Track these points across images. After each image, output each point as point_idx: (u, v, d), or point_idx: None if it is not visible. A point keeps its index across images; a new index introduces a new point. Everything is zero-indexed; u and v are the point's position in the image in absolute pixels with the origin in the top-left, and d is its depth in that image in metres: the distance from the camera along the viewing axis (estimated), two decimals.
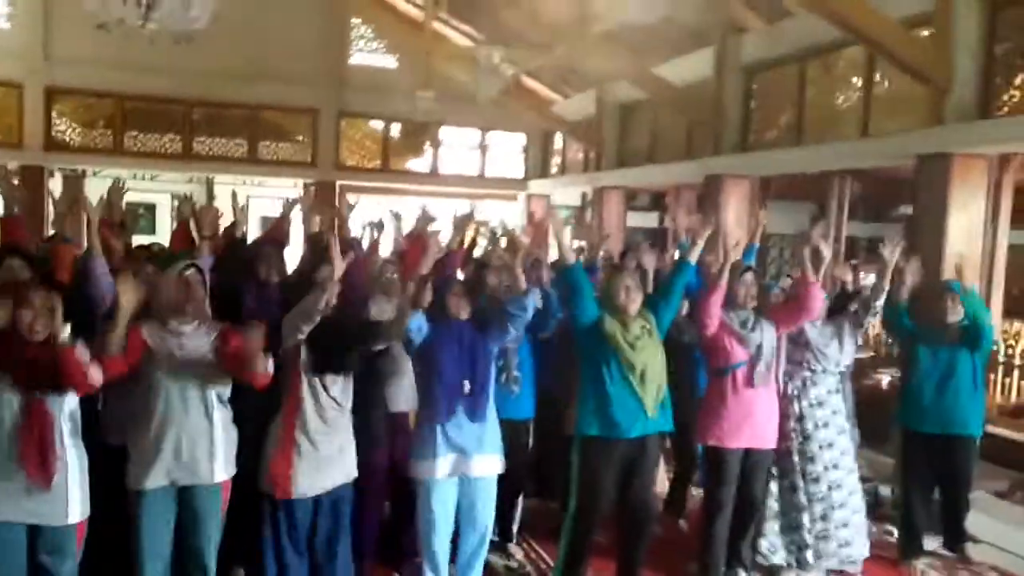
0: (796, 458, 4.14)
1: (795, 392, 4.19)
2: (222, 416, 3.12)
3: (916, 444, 4.49)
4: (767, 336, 4.02)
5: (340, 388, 3.31)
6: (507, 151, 13.55)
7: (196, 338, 3.11)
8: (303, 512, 3.28)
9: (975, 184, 5.83)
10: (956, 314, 4.42)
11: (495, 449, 3.67)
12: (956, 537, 4.60)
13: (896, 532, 4.71)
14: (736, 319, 4.04)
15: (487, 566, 4.12)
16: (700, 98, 8.84)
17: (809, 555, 4.10)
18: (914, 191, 6.21)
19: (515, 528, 4.46)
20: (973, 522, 5.11)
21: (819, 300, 4.05)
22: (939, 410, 4.40)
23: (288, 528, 3.27)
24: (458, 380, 3.55)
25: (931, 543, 4.63)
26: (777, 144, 7.78)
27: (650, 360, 3.67)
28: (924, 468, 4.51)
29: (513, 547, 4.39)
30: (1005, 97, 5.60)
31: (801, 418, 4.16)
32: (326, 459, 3.27)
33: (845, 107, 7.13)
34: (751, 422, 3.97)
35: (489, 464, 3.64)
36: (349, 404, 3.37)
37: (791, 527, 4.15)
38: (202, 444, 3.05)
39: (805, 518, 4.11)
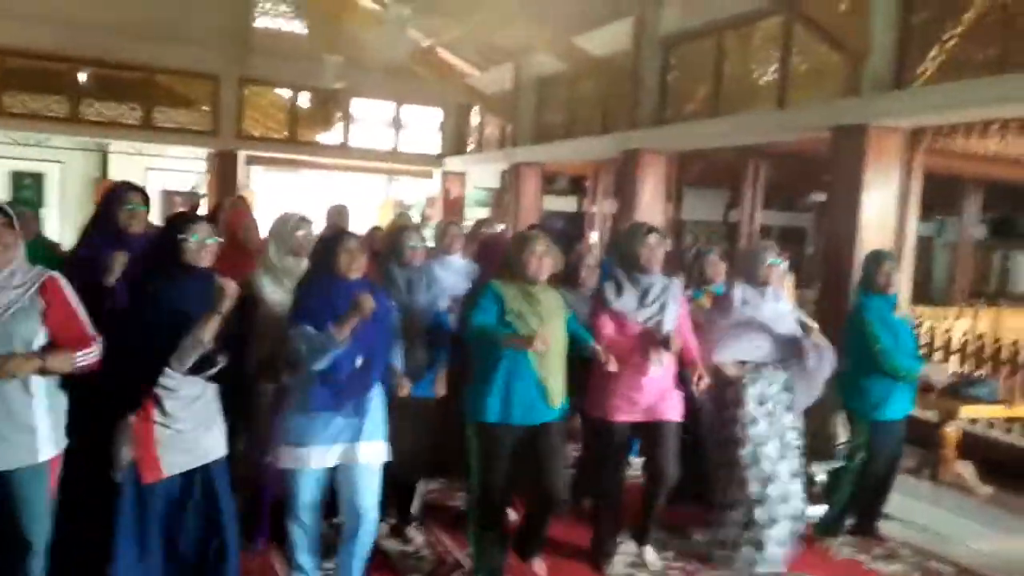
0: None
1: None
2: (44, 383, 2.67)
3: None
4: (670, 311, 3.76)
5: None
6: (423, 126, 13.10)
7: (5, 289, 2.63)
8: (164, 492, 2.86)
9: (889, 161, 5.77)
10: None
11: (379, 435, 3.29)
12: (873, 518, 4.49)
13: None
14: (633, 294, 3.75)
15: (382, 552, 3.83)
16: (618, 70, 8.63)
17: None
18: (830, 167, 6.11)
19: (415, 511, 4.11)
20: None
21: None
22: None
23: (146, 510, 2.84)
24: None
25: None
26: (695, 117, 7.60)
27: (557, 341, 3.43)
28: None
29: (411, 530, 4.04)
30: (920, 69, 5.52)
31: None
32: (189, 438, 2.87)
33: (763, 80, 6.99)
34: (645, 395, 3.73)
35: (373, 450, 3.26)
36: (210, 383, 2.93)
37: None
38: (19, 419, 2.59)
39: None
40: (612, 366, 3.53)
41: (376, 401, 3.27)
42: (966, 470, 5.65)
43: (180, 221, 2.93)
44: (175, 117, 11.45)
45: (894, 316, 4.23)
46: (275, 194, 13.63)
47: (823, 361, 3.90)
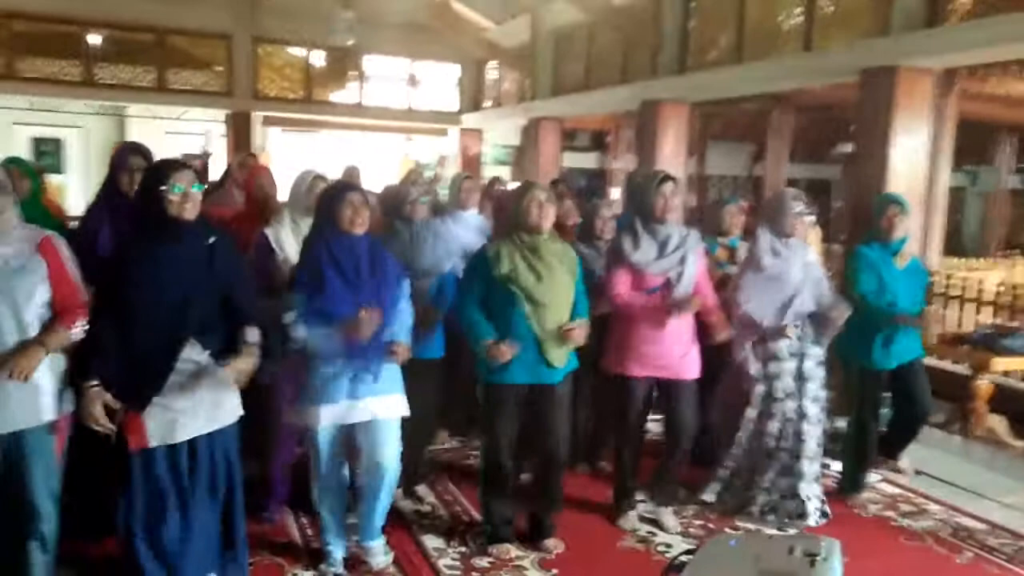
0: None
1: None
2: None
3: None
4: (689, 262, 3.61)
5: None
6: (439, 83, 12.87)
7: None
8: (166, 458, 2.77)
9: (920, 105, 5.50)
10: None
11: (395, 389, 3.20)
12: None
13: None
14: (651, 245, 3.61)
15: (396, 512, 3.75)
16: (638, 19, 8.36)
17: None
18: (858, 113, 5.86)
19: (423, 470, 4.05)
20: (912, 453, 4.92)
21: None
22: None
23: (151, 476, 2.77)
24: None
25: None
26: (717, 65, 7.34)
27: (559, 298, 3.30)
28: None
29: (423, 490, 3.98)
30: (952, 5, 5.23)
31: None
32: (182, 409, 2.71)
33: (788, 24, 6.71)
34: (664, 351, 3.61)
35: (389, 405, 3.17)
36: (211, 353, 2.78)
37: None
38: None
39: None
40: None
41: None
42: (998, 424, 5.49)
43: (159, 170, 2.68)
44: (189, 79, 11.32)
45: (895, 263, 4.04)
46: (292, 155, 13.55)
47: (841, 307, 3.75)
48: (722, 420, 4.12)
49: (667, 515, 3.83)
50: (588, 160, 15.88)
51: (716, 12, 7.49)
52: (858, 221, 5.50)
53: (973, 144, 10.96)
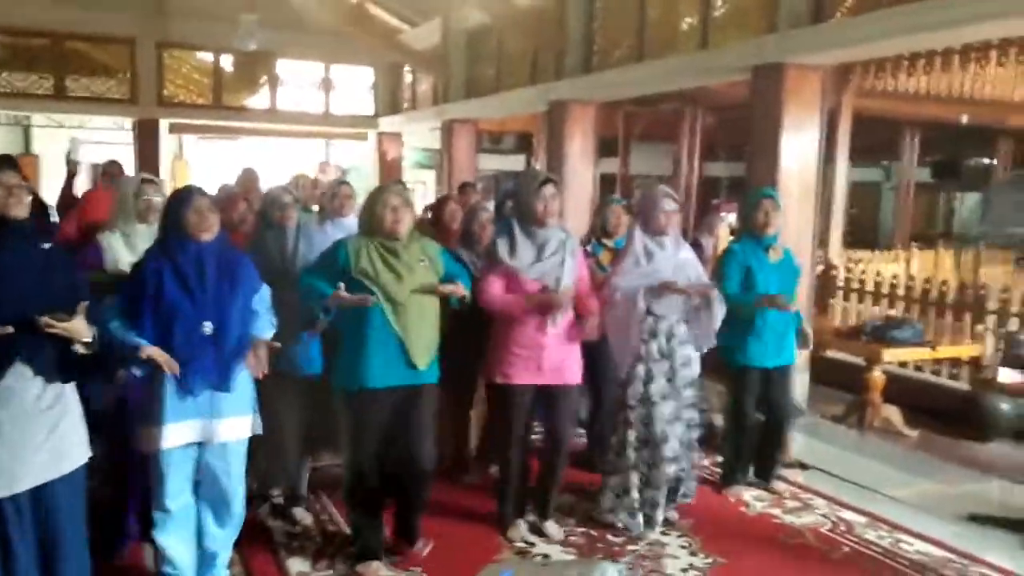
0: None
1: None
2: None
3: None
4: (568, 266, 3.53)
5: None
6: (355, 87, 12.66)
7: None
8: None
9: (809, 102, 5.52)
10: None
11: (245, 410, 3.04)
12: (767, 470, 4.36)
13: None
14: (528, 249, 3.52)
15: (268, 532, 3.65)
16: (545, 20, 8.32)
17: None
18: (750, 111, 5.88)
19: (303, 491, 3.88)
20: (805, 447, 4.95)
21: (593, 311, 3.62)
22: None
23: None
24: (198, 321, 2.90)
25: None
26: (620, 65, 7.32)
27: (421, 298, 3.18)
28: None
29: (300, 511, 3.81)
30: (837, 3, 5.27)
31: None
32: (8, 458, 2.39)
33: (686, 24, 6.72)
34: (546, 357, 3.51)
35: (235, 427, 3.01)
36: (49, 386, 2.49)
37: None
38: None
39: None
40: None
41: (242, 373, 3.01)
42: (893, 414, 5.56)
43: None
44: (90, 85, 10.90)
45: (767, 257, 4.05)
46: (210, 164, 13.21)
47: (716, 305, 3.71)
48: (611, 424, 4.05)
49: (550, 524, 3.74)
50: (514, 163, 15.86)
51: (619, 12, 7.47)
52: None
53: (884, 139, 11.22)
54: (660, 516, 3.75)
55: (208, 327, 2.90)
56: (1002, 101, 8.36)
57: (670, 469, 3.72)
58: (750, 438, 4.19)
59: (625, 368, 3.76)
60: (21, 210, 2.44)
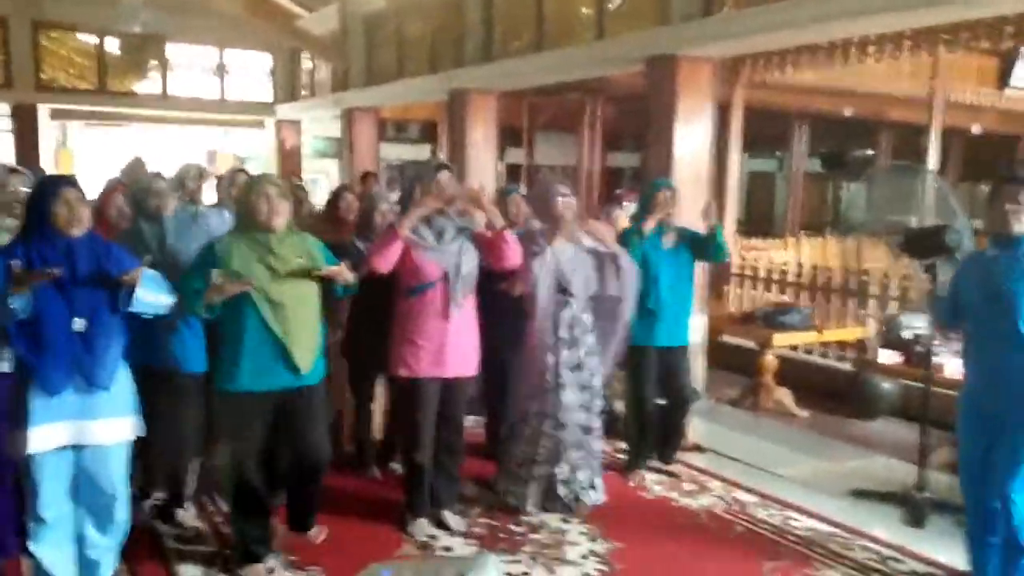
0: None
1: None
2: None
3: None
4: (467, 253, 3.51)
5: None
6: (251, 73, 12.26)
7: None
8: None
9: (701, 93, 5.66)
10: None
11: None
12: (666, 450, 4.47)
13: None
14: (430, 231, 3.49)
15: (154, 534, 3.51)
16: (444, 6, 8.23)
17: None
18: (646, 101, 5.98)
19: (188, 492, 3.72)
20: (702, 430, 5.08)
21: (512, 250, 3.51)
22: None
23: None
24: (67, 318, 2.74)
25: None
26: (519, 54, 7.32)
27: (301, 296, 3.05)
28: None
29: (183, 513, 3.66)
30: None
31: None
32: None
33: (583, 14, 6.77)
34: (449, 350, 3.49)
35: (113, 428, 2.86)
36: None
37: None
38: None
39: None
40: None
41: (120, 372, 2.85)
42: (785, 396, 5.78)
43: None
44: None
45: (661, 244, 4.17)
46: (95, 151, 12.54)
47: (625, 288, 3.78)
48: (513, 412, 4.05)
49: (450, 516, 3.71)
50: (420, 152, 15.69)
51: (519, 1, 7.46)
52: None
53: (776, 131, 11.63)
54: (562, 494, 3.78)
55: (79, 324, 2.74)
56: (882, 95, 8.80)
57: (573, 454, 3.76)
58: (651, 422, 4.27)
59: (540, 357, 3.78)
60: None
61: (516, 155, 12.92)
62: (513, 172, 13.18)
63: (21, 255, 2.68)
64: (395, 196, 5.08)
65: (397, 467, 4.20)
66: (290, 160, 12.15)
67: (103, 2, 9.69)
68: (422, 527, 3.61)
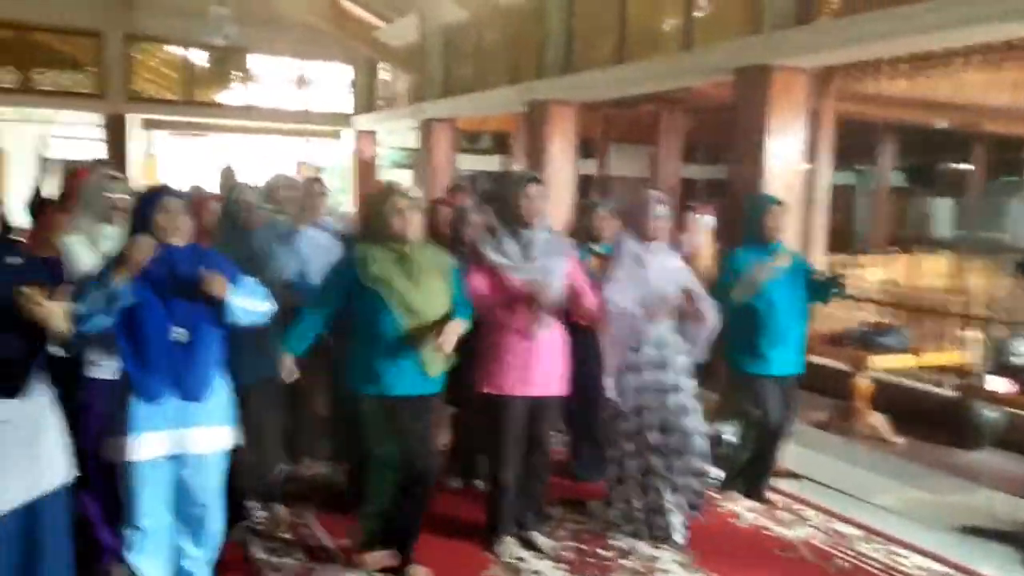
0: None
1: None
2: None
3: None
4: (557, 267, 3.41)
5: None
6: (333, 84, 12.47)
7: None
8: None
9: (794, 104, 5.48)
10: None
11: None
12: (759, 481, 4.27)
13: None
14: (513, 249, 3.40)
15: (243, 545, 3.48)
16: (524, 17, 8.21)
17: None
18: (734, 113, 5.82)
19: (278, 498, 3.73)
20: (792, 454, 4.87)
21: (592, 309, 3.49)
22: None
23: None
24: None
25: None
26: (600, 65, 7.23)
27: (435, 305, 3.09)
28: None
29: (270, 523, 3.65)
30: (825, 3, 5.22)
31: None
32: None
33: (668, 23, 6.65)
34: (538, 369, 3.40)
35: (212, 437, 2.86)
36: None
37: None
38: None
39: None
40: None
41: (217, 382, 2.85)
42: (878, 421, 5.52)
43: None
44: (57, 79, 10.62)
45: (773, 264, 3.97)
46: (180, 160, 12.92)
47: (705, 320, 3.62)
48: (603, 434, 3.95)
49: (539, 537, 3.62)
50: (491, 163, 15.72)
51: (599, 13, 7.38)
52: (736, 222, 5.45)
53: (859, 144, 11.26)
54: (673, 522, 3.64)
55: (178, 333, 2.74)
56: (978, 106, 8.41)
57: (667, 480, 3.63)
58: (756, 448, 4.10)
59: (616, 379, 3.65)
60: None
61: (588, 166, 12.81)
62: (585, 183, 13.08)
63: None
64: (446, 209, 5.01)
65: (479, 484, 4.13)
66: (366, 171, 12.29)
67: (191, 15, 9.96)
68: (508, 547, 3.53)
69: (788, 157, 5.45)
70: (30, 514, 2.32)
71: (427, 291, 3.10)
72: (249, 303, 2.86)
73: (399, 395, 3.09)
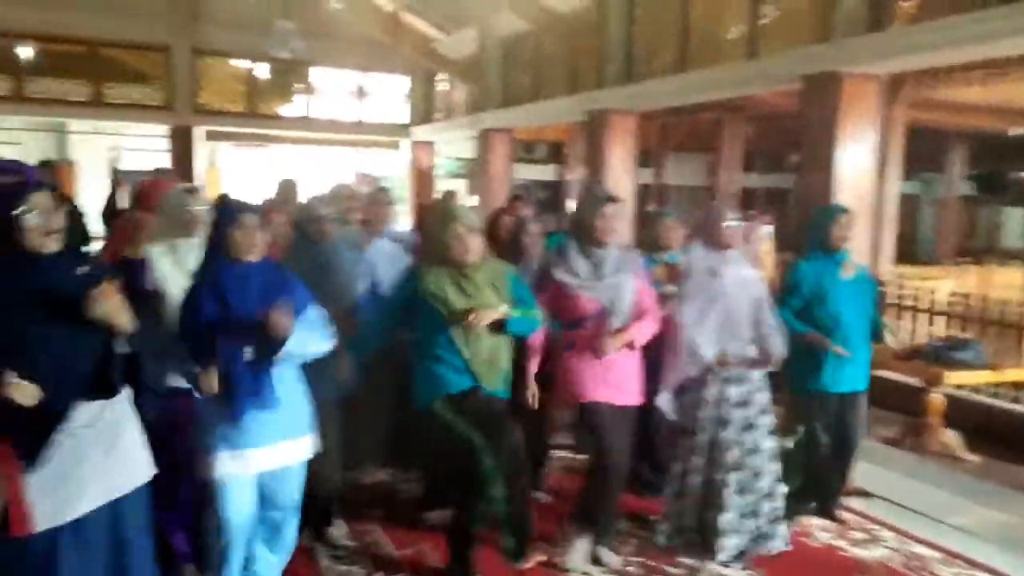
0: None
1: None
2: None
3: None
4: (627, 287, 3.37)
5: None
6: (389, 95, 12.62)
7: None
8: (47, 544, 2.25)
9: (865, 112, 5.35)
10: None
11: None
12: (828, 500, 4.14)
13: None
14: (585, 267, 3.38)
15: (309, 553, 3.50)
16: (584, 27, 8.19)
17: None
18: (803, 121, 5.70)
19: (336, 511, 3.74)
20: (863, 472, 4.73)
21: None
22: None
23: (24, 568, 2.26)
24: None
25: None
26: (662, 74, 7.17)
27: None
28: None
29: (335, 532, 3.67)
30: (897, 9, 5.09)
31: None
32: (75, 477, 2.27)
33: (732, 31, 6.56)
34: (614, 374, 3.36)
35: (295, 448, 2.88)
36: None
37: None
38: None
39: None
40: None
41: (296, 391, 2.87)
42: (952, 439, 5.32)
43: (10, 192, 2.19)
44: (127, 92, 10.96)
45: (840, 274, 3.85)
46: (241, 171, 13.20)
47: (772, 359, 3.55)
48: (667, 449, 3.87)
49: (606, 552, 3.56)
50: (545, 172, 15.71)
51: (661, 21, 7.33)
52: (800, 232, 5.33)
53: (925, 151, 10.95)
54: (724, 544, 3.55)
55: (249, 353, 2.75)
56: None
57: (737, 499, 3.53)
58: (820, 465, 3.98)
59: (676, 396, 3.58)
60: (56, 245, 2.26)
61: (645, 175, 12.72)
62: (643, 192, 12.98)
63: (208, 279, 2.73)
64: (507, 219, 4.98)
65: (541, 495, 4.10)
66: (423, 181, 12.39)
67: (256, 29, 10.19)
68: (579, 557, 3.47)
69: (859, 166, 5.32)
70: (113, 514, 2.34)
71: (482, 305, 3.12)
72: (307, 346, 2.83)
73: (461, 390, 3.12)
